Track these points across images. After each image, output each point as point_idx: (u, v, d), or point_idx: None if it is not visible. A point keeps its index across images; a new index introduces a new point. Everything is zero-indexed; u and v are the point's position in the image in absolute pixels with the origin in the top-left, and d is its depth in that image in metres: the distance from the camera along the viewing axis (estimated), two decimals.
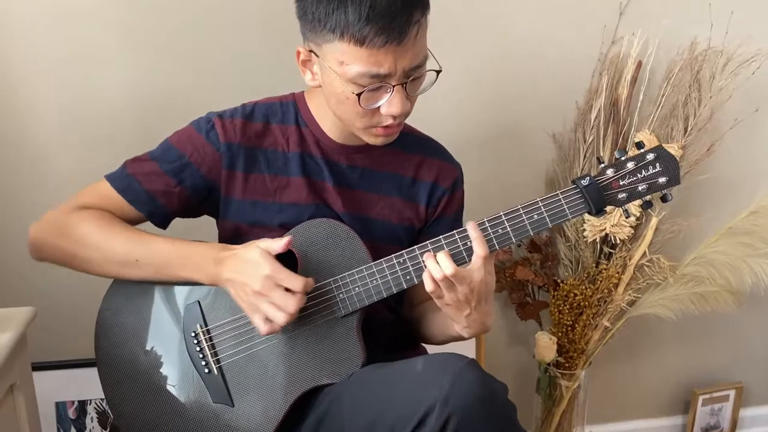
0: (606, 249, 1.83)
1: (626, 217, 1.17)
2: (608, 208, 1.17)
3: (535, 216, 1.16)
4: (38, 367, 1.65)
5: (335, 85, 1.16)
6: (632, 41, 1.77)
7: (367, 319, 1.26)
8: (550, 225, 1.15)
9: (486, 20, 1.76)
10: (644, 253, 1.80)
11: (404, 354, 1.31)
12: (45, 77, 1.58)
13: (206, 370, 1.25)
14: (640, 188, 1.17)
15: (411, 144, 1.33)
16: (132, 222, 1.27)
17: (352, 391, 1.17)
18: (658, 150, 1.18)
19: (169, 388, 1.26)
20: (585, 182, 1.15)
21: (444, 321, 1.25)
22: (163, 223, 1.30)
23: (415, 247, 1.19)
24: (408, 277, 1.19)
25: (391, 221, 1.32)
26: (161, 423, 1.26)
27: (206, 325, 1.25)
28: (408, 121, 1.28)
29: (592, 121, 1.80)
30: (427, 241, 1.18)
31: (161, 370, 1.27)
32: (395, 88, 1.14)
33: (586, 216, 1.79)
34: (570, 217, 1.16)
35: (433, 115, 1.76)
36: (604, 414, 2.11)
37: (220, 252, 1.19)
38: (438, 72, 1.18)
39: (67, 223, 1.24)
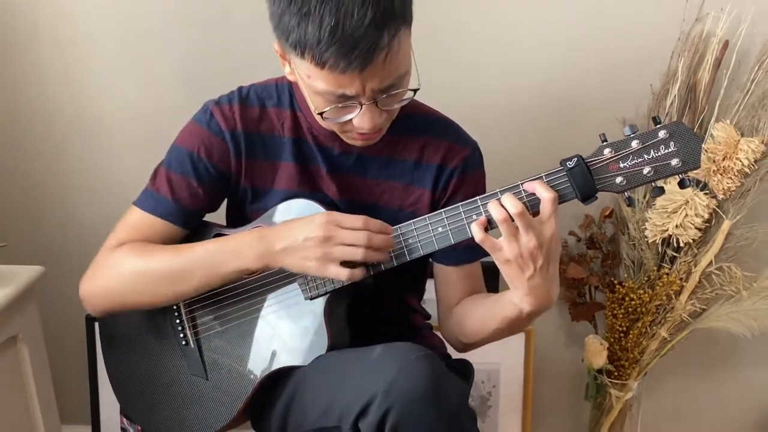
0: (670, 252, 1.64)
1: (628, 206, 1.01)
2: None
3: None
4: None
5: (305, 93, 1.10)
6: (719, 18, 1.56)
7: (371, 309, 1.21)
8: (530, 211, 1.03)
9: None
10: (711, 261, 1.59)
11: None
12: (110, 74, 1.67)
13: (183, 342, 1.26)
14: (645, 172, 1.01)
15: (415, 125, 1.22)
16: (170, 240, 1.22)
17: (314, 374, 1.14)
18: (673, 127, 1.00)
19: (152, 353, 1.28)
20: (571, 163, 1.01)
21: (496, 300, 1.13)
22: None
23: (399, 226, 1.11)
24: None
25: (393, 208, 1.23)
26: (138, 382, 1.29)
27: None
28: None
29: (667, 107, 1.62)
30: (426, 216, 1.09)
31: (147, 335, 1.29)
32: (364, 106, 1.05)
33: (648, 213, 1.62)
34: None
35: (487, 93, 1.67)
36: (660, 430, 1.91)
37: (261, 232, 1.14)
38: (415, 91, 1.08)
39: (107, 264, 1.20)
